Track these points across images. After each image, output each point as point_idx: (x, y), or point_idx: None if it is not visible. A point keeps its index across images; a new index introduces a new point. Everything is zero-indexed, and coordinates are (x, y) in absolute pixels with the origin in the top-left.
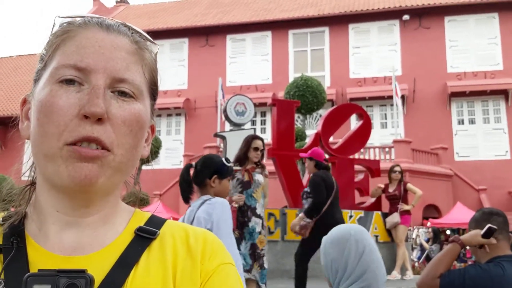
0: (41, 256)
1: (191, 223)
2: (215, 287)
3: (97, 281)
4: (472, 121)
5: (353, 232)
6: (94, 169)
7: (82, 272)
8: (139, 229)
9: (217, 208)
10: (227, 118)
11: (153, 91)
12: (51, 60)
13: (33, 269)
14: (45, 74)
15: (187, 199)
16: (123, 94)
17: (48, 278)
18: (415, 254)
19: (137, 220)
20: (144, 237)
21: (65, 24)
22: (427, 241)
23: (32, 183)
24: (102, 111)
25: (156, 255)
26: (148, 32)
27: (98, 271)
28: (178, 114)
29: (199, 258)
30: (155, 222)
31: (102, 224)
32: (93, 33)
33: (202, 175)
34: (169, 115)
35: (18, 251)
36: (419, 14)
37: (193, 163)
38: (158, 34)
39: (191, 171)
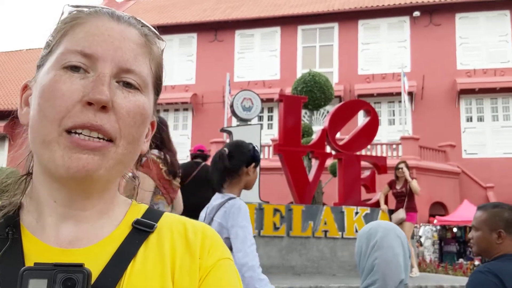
0: (37, 248)
1: (210, 224)
2: (214, 282)
3: (94, 274)
4: (480, 119)
5: (369, 228)
6: (93, 160)
7: (79, 266)
8: (137, 222)
9: (233, 214)
10: (233, 113)
11: (158, 86)
12: (57, 46)
13: (29, 261)
14: (50, 60)
15: (220, 189)
16: (128, 85)
17: (45, 272)
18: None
19: (134, 212)
20: (141, 230)
21: (74, 12)
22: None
23: (28, 173)
24: (106, 98)
25: (154, 248)
26: (157, 27)
27: (95, 264)
28: (186, 109)
29: (198, 252)
30: (153, 215)
31: (99, 217)
32: (103, 22)
33: (238, 163)
34: (177, 110)
35: (14, 242)
36: (429, 10)
37: (226, 150)
38: (167, 29)
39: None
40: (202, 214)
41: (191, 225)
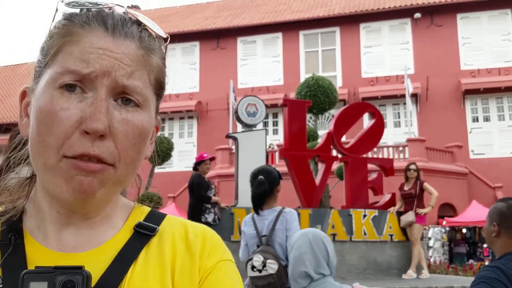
0: (39, 253)
1: (272, 232)
2: (214, 283)
3: (95, 278)
4: (486, 119)
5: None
6: (93, 182)
7: (79, 268)
8: (138, 225)
9: (295, 220)
10: (238, 119)
11: (159, 93)
12: (52, 61)
13: (31, 265)
14: (45, 75)
15: (261, 208)
16: (127, 101)
17: (45, 275)
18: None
19: (136, 215)
20: (143, 233)
21: (67, 21)
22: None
23: (32, 177)
24: (104, 128)
25: (155, 251)
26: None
27: (96, 268)
28: (191, 117)
29: (198, 254)
30: (155, 218)
31: (101, 222)
32: (98, 39)
33: (273, 185)
34: (182, 118)
35: (16, 247)
36: (430, 12)
37: (262, 177)
38: (170, 38)
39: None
40: (249, 222)
41: (192, 227)
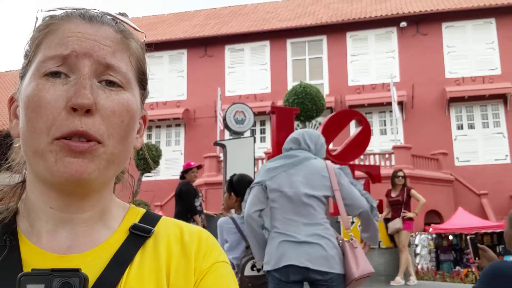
0: (34, 255)
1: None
2: (209, 285)
3: (92, 280)
4: (471, 126)
5: None
6: (84, 163)
7: (76, 271)
8: (134, 227)
9: None
10: (226, 126)
11: (142, 80)
12: (35, 55)
13: (27, 268)
14: (30, 70)
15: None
16: (110, 83)
17: (42, 277)
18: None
19: (132, 216)
20: (138, 235)
21: (47, 18)
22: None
23: (23, 181)
24: (89, 102)
25: (151, 253)
26: (147, 44)
27: (93, 270)
28: (178, 125)
29: (194, 256)
30: (150, 219)
31: (96, 221)
32: (76, 25)
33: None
34: (169, 126)
35: (11, 249)
36: (416, 21)
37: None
38: (157, 46)
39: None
40: (232, 227)
41: (187, 229)
